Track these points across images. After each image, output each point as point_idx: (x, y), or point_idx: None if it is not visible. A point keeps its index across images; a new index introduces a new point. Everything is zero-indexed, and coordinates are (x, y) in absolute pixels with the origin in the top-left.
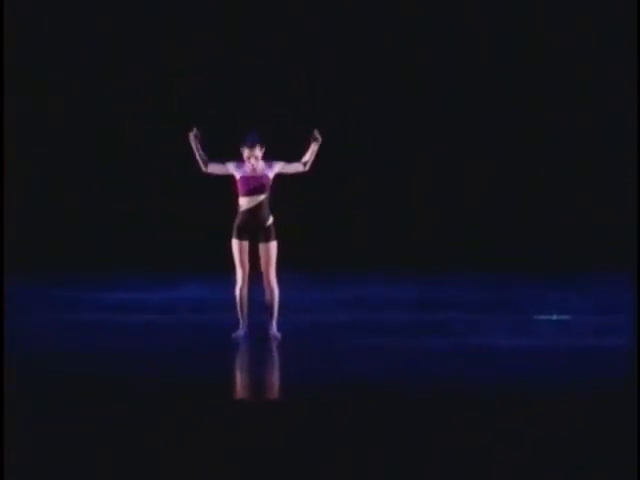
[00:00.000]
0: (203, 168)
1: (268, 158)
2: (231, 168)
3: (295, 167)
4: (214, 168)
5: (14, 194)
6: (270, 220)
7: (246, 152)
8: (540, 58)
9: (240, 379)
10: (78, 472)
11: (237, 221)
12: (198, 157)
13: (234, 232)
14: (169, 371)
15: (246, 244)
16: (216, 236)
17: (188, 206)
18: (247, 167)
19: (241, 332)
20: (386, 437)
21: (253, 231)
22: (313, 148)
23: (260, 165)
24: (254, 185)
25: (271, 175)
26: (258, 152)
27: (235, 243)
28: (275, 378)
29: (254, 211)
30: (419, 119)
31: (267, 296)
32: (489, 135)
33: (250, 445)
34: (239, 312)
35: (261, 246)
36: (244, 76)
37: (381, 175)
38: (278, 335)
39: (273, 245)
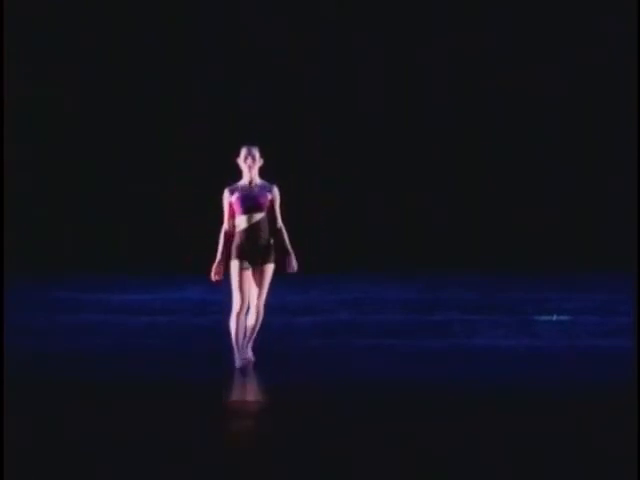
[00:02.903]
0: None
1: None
2: (227, 198)
3: (276, 215)
4: (231, 219)
5: (14, 194)
6: (270, 241)
7: (243, 153)
8: (540, 57)
9: (240, 380)
10: (78, 472)
11: (236, 241)
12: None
13: (233, 253)
14: (169, 372)
15: (248, 267)
16: (216, 238)
17: (189, 208)
18: (241, 184)
19: (241, 362)
20: (386, 437)
21: (252, 252)
22: (288, 252)
23: (257, 179)
24: (251, 203)
25: (269, 196)
26: (255, 153)
27: (235, 265)
28: (276, 379)
29: (253, 230)
30: (418, 120)
31: (250, 318)
32: (489, 135)
33: (250, 446)
34: (235, 341)
35: (258, 268)
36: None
37: (380, 175)
38: (252, 357)
39: (270, 268)
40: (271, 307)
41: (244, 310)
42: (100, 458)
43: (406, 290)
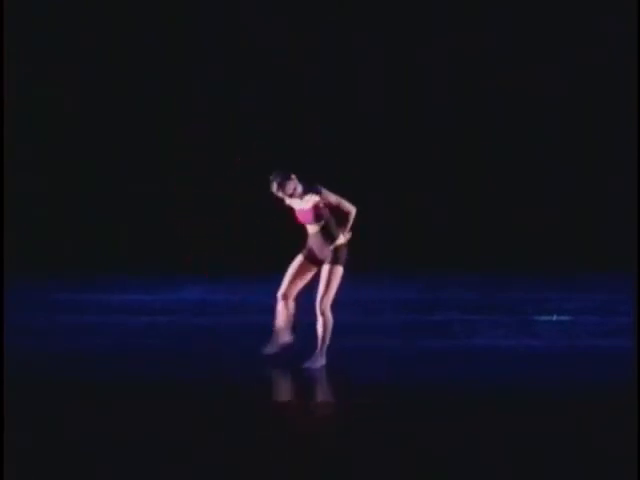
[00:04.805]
0: None
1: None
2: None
3: (344, 206)
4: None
5: (14, 194)
6: (331, 245)
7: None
8: (540, 57)
9: (238, 380)
10: (78, 472)
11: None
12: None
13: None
14: (169, 372)
15: (305, 262)
16: (216, 238)
17: (189, 208)
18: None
19: (270, 348)
20: (386, 437)
21: (315, 255)
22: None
23: (299, 200)
24: (302, 217)
25: (318, 203)
26: (277, 192)
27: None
28: (276, 379)
29: (312, 239)
30: (418, 120)
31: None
32: (489, 135)
33: (250, 446)
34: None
35: (322, 268)
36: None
37: (380, 175)
38: (313, 365)
39: (331, 268)
40: (271, 307)
41: (289, 297)
42: (100, 458)
43: (406, 290)
